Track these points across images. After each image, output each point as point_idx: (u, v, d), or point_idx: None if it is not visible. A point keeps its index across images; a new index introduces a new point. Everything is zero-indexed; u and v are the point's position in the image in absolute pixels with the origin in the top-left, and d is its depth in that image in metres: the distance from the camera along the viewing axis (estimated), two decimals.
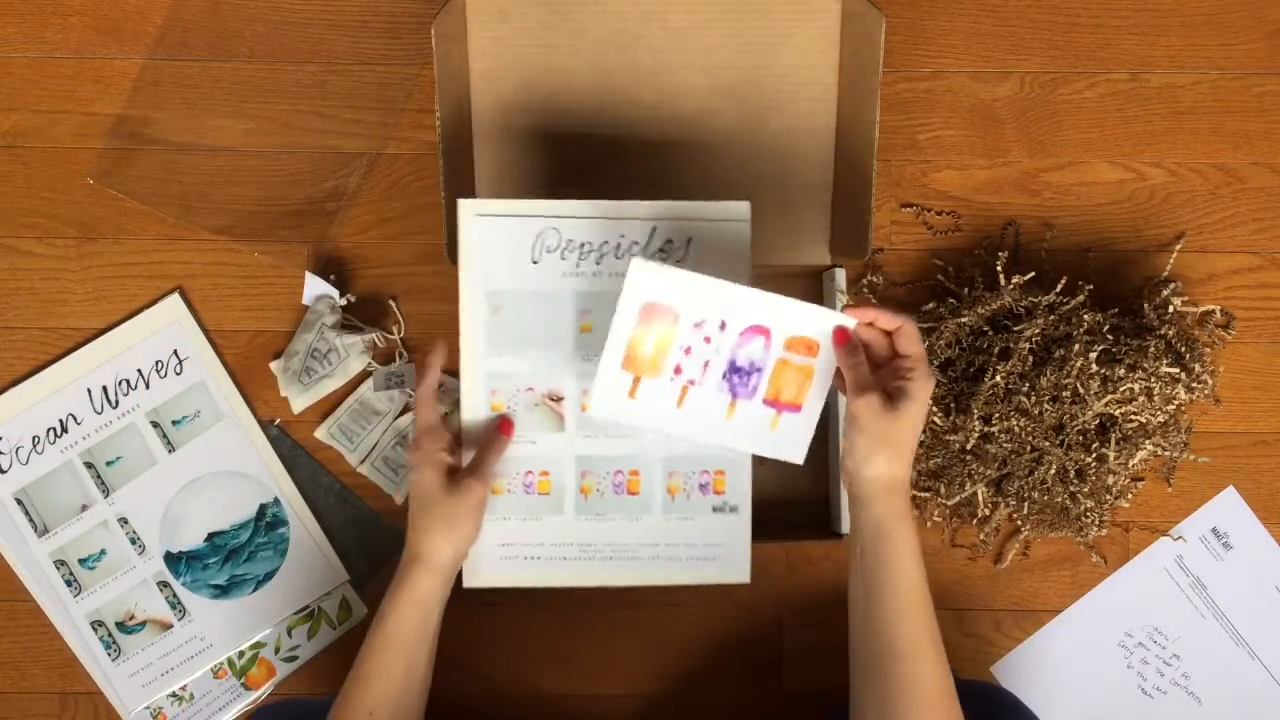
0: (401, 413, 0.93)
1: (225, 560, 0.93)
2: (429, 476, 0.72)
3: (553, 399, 0.77)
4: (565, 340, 0.77)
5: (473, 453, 0.76)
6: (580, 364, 0.77)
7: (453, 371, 0.93)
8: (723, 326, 0.72)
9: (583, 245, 0.76)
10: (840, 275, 0.90)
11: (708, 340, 0.72)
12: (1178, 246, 0.95)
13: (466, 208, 0.75)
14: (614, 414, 0.73)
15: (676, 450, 0.78)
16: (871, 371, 0.71)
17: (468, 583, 0.77)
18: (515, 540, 0.77)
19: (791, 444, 0.74)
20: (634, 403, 0.73)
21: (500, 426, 0.76)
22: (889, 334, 0.72)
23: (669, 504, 0.78)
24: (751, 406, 0.73)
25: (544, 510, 0.77)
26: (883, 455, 0.70)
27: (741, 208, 0.77)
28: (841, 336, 0.72)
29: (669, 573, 0.79)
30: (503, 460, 0.77)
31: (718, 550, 0.79)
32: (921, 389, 0.70)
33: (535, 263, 0.76)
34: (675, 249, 0.77)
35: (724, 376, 0.73)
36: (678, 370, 0.73)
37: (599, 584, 0.78)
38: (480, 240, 0.76)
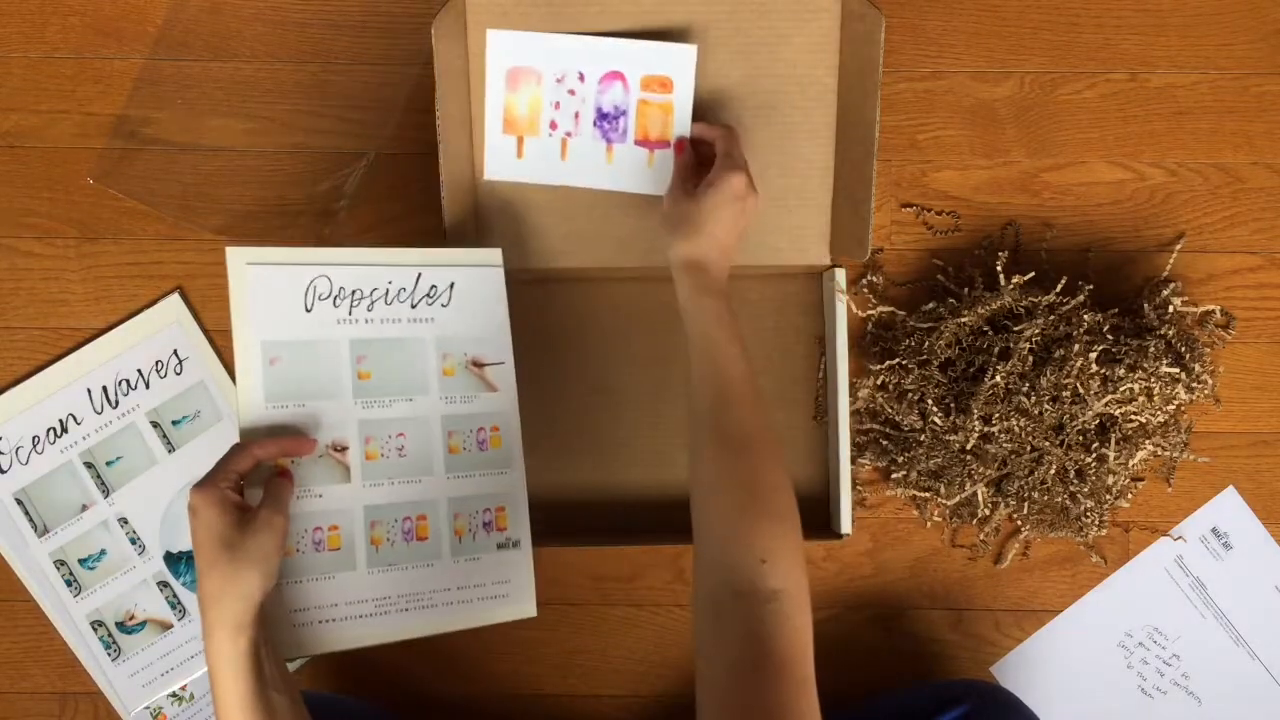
0: None
1: None
2: (218, 515, 0.66)
3: (336, 449, 0.75)
4: (344, 389, 0.76)
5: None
6: (361, 411, 0.76)
7: None
8: (581, 78, 0.83)
9: (354, 292, 0.77)
10: (840, 275, 0.90)
11: (572, 93, 0.84)
12: (1178, 246, 0.95)
13: (235, 256, 0.73)
14: (508, 176, 0.85)
15: (459, 490, 0.79)
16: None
17: None
18: (308, 604, 0.73)
19: (668, 180, 0.83)
20: (522, 162, 0.85)
21: (280, 475, 0.72)
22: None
23: (457, 545, 0.78)
24: (626, 149, 0.85)
25: (336, 567, 0.74)
26: (680, 236, 0.77)
27: (494, 254, 0.82)
28: (678, 147, 0.85)
29: (464, 617, 0.78)
30: (290, 518, 0.72)
31: (506, 587, 0.79)
32: (719, 175, 0.78)
33: (309, 311, 0.75)
34: (439, 293, 0.79)
35: (595, 124, 0.84)
36: (553, 126, 0.84)
37: (396, 639, 0.75)
38: (252, 289, 0.74)
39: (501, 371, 0.81)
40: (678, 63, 0.84)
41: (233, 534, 0.66)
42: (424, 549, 0.77)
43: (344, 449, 0.76)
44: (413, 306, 0.79)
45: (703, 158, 0.84)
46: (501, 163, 0.86)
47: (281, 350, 0.74)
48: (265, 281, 0.74)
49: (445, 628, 0.77)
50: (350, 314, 0.76)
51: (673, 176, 0.83)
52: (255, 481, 0.71)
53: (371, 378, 0.77)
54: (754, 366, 0.73)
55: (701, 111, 0.87)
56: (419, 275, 0.79)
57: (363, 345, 0.77)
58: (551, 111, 0.85)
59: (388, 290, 0.78)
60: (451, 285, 0.80)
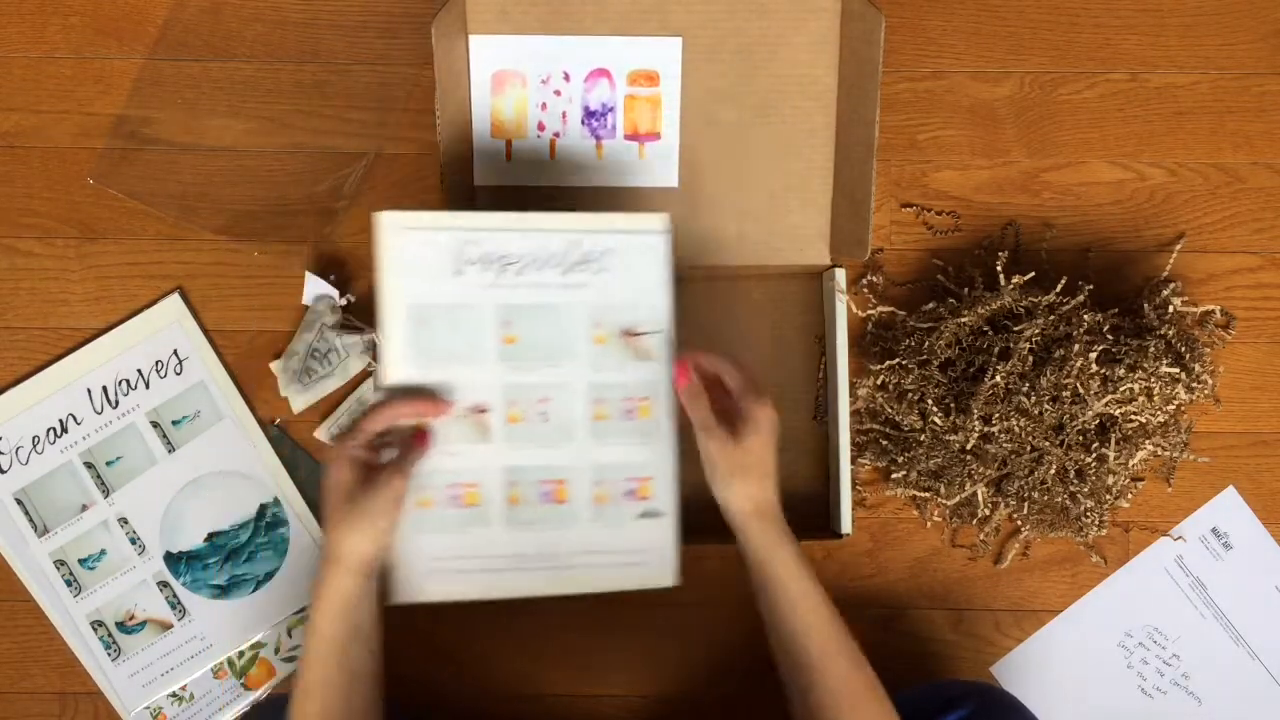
0: None
1: (225, 560, 0.93)
2: (345, 472, 0.71)
3: (478, 410, 0.76)
4: (489, 352, 0.76)
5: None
6: (505, 375, 0.76)
7: None
8: (566, 77, 0.84)
9: (503, 257, 0.76)
10: (840, 275, 0.90)
11: (558, 93, 0.85)
12: (1178, 246, 0.95)
13: (387, 220, 0.74)
14: (497, 180, 0.85)
15: (604, 458, 0.78)
16: (728, 401, 0.75)
17: (396, 599, 0.75)
18: (445, 554, 0.75)
19: (661, 172, 0.85)
20: (511, 165, 0.86)
21: (415, 438, 0.74)
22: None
23: (596, 512, 0.78)
24: (616, 144, 0.85)
25: (472, 523, 0.76)
26: (739, 484, 0.73)
27: (659, 219, 0.78)
28: (681, 379, 0.76)
29: (598, 580, 0.78)
30: (429, 474, 0.75)
31: (645, 555, 0.79)
32: (755, 413, 0.73)
33: (458, 275, 0.76)
34: (595, 259, 0.78)
35: (582, 122, 0.85)
36: (541, 127, 0.85)
37: (531, 595, 0.77)
38: (402, 253, 0.74)
39: (657, 341, 0.79)
40: (663, 56, 0.85)
41: (355, 490, 0.70)
42: (562, 511, 0.78)
43: (485, 411, 0.76)
44: (564, 273, 0.77)
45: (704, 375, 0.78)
46: (491, 168, 0.87)
47: (429, 313, 0.75)
48: (415, 245, 0.75)
49: (578, 589, 0.78)
50: (499, 279, 0.76)
51: (695, 413, 0.75)
52: (395, 439, 0.74)
53: (518, 341, 0.77)
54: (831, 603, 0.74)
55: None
56: (574, 241, 0.77)
57: (510, 310, 0.76)
58: (538, 113, 0.86)
59: (538, 256, 0.77)
60: (610, 251, 0.78)
